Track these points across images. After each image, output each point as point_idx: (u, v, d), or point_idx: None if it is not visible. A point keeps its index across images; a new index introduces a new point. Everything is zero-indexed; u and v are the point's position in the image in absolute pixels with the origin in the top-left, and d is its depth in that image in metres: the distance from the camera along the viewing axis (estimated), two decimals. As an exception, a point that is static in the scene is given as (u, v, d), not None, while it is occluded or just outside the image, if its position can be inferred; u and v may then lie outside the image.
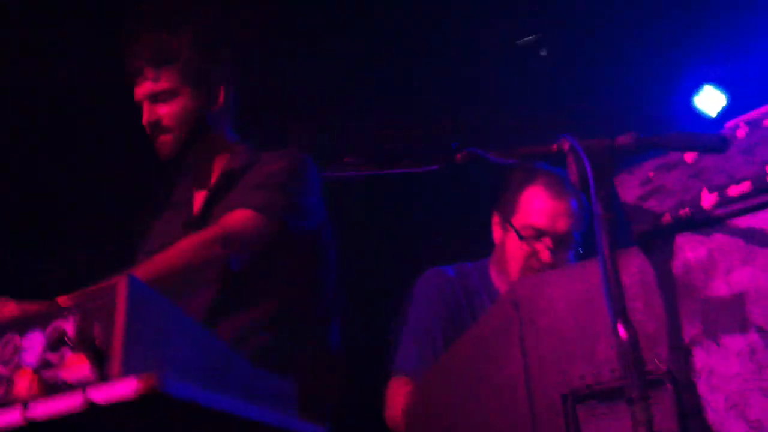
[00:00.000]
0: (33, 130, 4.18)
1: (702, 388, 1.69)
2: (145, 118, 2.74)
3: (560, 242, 2.95)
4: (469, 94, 4.46)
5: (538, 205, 2.98)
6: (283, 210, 2.62)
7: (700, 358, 1.71)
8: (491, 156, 1.98)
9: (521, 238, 2.95)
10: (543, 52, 4.84)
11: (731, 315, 1.70)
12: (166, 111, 2.73)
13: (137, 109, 2.79)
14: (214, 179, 2.82)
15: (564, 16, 4.57)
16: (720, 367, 1.68)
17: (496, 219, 3.11)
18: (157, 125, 2.73)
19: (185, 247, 2.43)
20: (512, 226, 2.98)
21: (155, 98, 2.73)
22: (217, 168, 2.83)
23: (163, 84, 2.72)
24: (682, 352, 1.73)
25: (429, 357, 2.88)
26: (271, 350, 2.58)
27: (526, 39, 4.80)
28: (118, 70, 2.79)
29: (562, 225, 2.96)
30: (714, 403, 1.67)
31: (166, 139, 2.74)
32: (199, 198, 2.85)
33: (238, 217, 2.55)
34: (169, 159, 2.77)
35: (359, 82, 4.41)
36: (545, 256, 2.92)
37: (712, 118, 4.60)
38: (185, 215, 2.85)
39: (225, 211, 2.60)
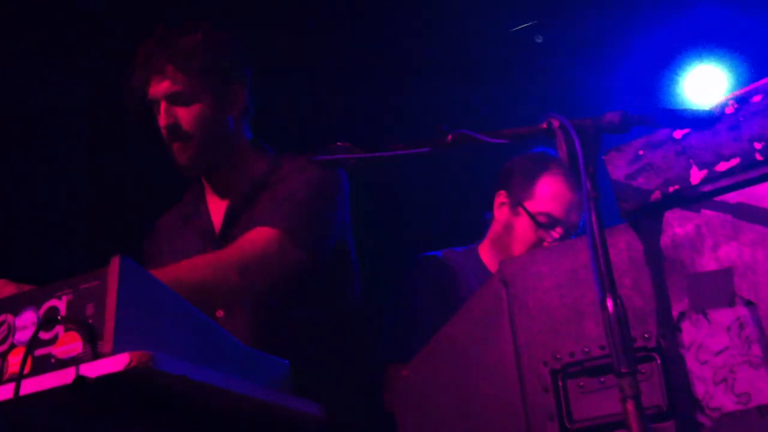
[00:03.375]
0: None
1: (690, 363, 1.70)
2: (163, 119, 2.58)
3: (569, 232, 2.98)
4: (461, 77, 4.46)
5: (556, 194, 3.01)
6: (310, 230, 2.49)
7: (688, 332, 1.72)
8: (482, 136, 1.98)
9: (538, 224, 2.96)
10: (538, 39, 4.84)
11: (719, 290, 1.71)
12: (185, 115, 2.58)
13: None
14: (234, 189, 2.67)
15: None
16: (708, 341, 1.69)
17: (501, 199, 3.11)
18: (176, 129, 2.57)
19: (201, 264, 2.31)
20: (527, 210, 2.99)
21: (174, 99, 2.58)
22: (236, 177, 2.68)
23: (184, 87, 2.57)
24: (670, 327, 1.74)
25: (424, 344, 2.89)
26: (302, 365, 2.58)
27: (521, 26, 4.81)
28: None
29: (575, 217, 3.01)
30: (702, 377, 1.68)
31: (185, 147, 2.59)
32: (218, 210, 2.70)
33: (260, 238, 2.42)
34: (187, 170, 2.63)
35: (350, 66, 4.41)
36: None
37: (706, 99, 4.62)
38: (203, 227, 2.70)
39: (249, 226, 2.47)
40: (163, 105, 2.59)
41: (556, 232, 2.96)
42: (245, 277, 2.32)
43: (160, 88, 2.59)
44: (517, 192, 3.06)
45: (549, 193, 3.00)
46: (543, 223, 2.97)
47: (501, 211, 3.11)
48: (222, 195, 2.71)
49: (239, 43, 2.75)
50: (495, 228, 3.12)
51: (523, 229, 3.00)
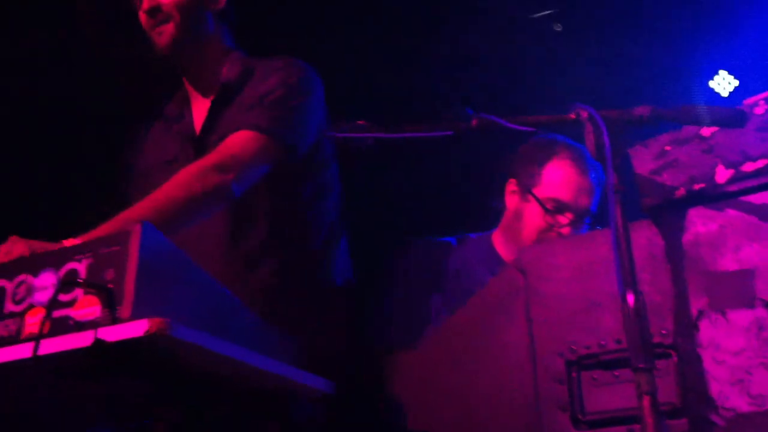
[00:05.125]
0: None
1: (707, 362, 1.70)
2: (146, 4, 2.63)
3: (579, 217, 2.96)
4: (485, 62, 4.44)
5: (564, 179, 2.97)
6: (286, 129, 2.53)
7: (706, 331, 1.72)
8: (507, 122, 1.98)
9: (546, 210, 2.95)
10: (557, 28, 4.82)
11: (739, 290, 1.70)
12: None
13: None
14: (212, 91, 2.73)
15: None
16: (726, 341, 1.69)
17: (512, 186, 3.09)
18: (156, 11, 2.62)
19: (182, 180, 2.36)
20: (536, 197, 2.97)
21: None
22: (214, 79, 2.73)
23: None
24: (688, 325, 1.73)
25: (427, 329, 2.88)
26: (279, 272, 2.58)
27: (542, 13, 4.78)
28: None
29: (584, 201, 2.97)
30: (718, 377, 1.68)
31: (165, 29, 2.64)
32: (198, 111, 2.77)
33: (237, 140, 2.48)
34: (166, 52, 2.65)
35: (375, 47, 4.39)
36: (566, 230, 2.92)
37: (724, 98, 4.61)
38: (184, 129, 2.76)
39: (227, 130, 2.53)
40: None
41: (566, 218, 2.94)
42: (227, 175, 2.38)
43: None
44: (525, 179, 3.04)
45: (557, 178, 2.98)
46: (551, 209, 2.95)
47: (511, 199, 3.10)
48: (202, 99, 2.76)
49: None
50: (507, 216, 3.10)
51: (533, 216, 2.99)
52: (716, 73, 4.68)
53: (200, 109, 2.77)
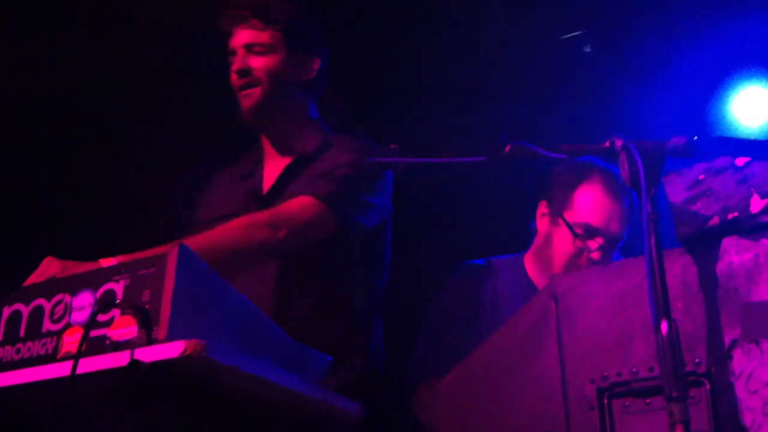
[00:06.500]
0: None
1: (740, 391, 1.69)
2: (237, 64, 2.70)
3: (610, 242, 2.94)
4: (515, 88, 4.45)
5: (594, 204, 2.95)
6: (346, 204, 2.59)
7: (739, 361, 1.71)
8: (540, 150, 1.98)
9: (576, 235, 2.93)
10: (587, 49, 4.82)
11: (773, 320, 1.70)
12: (259, 63, 2.69)
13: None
14: (288, 158, 2.78)
15: (608, 13, 4.55)
16: (759, 371, 1.68)
17: (543, 209, 3.08)
18: (246, 73, 2.69)
19: (234, 226, 2.43)
20: (566, 221, 2.95)
21: (251, 48, 2.70)
22: (292, 145, 2.79)
23: (265, 37, 2.69)
24: (721, 354, 1.73)
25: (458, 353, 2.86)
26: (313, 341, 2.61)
27: (571, 34, 4.79)
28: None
29: (615, 226, 2.94)
30: (751, 407, 1.68)
31: (252, 92, 2.69)
32: (269, 172, 2.82)
33: (297, 203, 2.54)
34: (249, 116, 2.72)
35: (409, 73, 4.42)
36: (596, 255, 2.90)
37: (754, 126, 4.56)
38: (252, 187, 2.81)
39: (292, 195, 2.59)
40: (240, 53, 2.71)
41: (596, 243, 2.92)
42: (276, 233, 2.44)
43: (241, 37, 2.72)
44: (556, 202, 3.02)
45: (587, 203, 2.96)
46: (581, 234, 2.93)
47: (542, 222, 3.08)
48: (276, 162, 2.81)
49: (322, 22, 2.86)
50: (538, 239, 3.09)
51: (563, 240, 2.96)
52: (742, 91, 4.62)
53: (272, 171, 2.81)
